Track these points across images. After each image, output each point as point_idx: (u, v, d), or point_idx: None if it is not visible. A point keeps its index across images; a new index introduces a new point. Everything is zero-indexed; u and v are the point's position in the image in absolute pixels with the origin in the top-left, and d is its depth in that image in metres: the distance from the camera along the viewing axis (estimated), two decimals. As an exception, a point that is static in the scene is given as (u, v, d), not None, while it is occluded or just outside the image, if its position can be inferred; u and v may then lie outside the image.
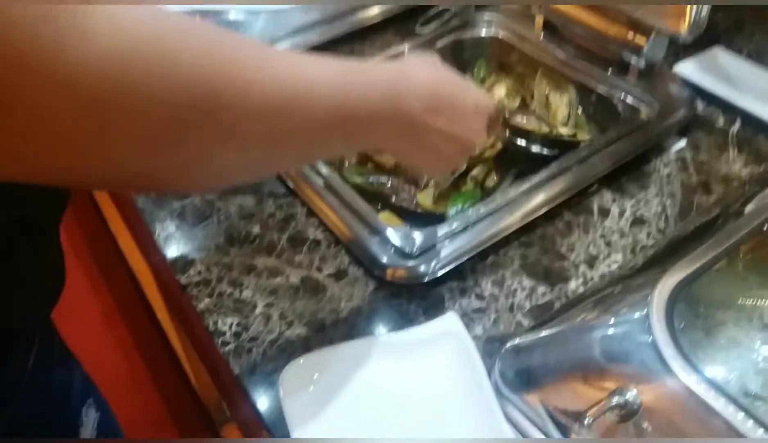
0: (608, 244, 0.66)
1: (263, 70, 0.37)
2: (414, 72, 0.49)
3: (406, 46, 0.86)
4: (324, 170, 0.71)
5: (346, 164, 0.75)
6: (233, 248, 0.67)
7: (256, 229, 0.68)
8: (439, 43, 0.88)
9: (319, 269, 0.64)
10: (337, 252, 0.66)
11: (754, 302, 0.58)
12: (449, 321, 0.56)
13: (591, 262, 0.64)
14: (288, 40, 0.89)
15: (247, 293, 0.63)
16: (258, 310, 0.61)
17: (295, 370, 0.53)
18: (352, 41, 0.92)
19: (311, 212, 0.69)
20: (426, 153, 0.52)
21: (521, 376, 0.52)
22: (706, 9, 0.69)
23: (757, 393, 0.52)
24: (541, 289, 0.62)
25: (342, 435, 0.51)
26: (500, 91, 0.79)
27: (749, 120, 0.78)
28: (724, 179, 0.72)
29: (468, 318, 0.60)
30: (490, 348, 0.56)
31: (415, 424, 0.52)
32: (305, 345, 0.58)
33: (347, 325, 0.60)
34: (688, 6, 0.70)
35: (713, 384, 0.44)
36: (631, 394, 0.44)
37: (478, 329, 0.59)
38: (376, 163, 0.75)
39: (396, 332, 0.57)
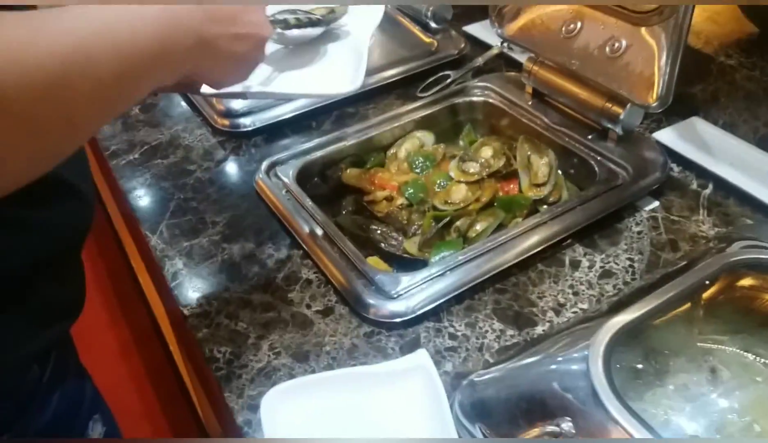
0: (576, 293, 0.71)
1: (34, 46, 0.36)
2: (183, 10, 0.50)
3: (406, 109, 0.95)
4: (320, 217, 0.78)
5: (343, 212, 0.83)
6: (233, 284, 0.74)
7: (255, 268, 0.75)
8: (436, 107, 0.95)
9: (309, 306, 0.71)
10: (327, 291, 0.72)
11: (702, 348, 0.63)
12: (420, 357, 0.62)
13: (558, 309, 0.69)
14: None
15: (241, 325, 0.69)
16: (250, 341, 0.68)
17: (276, 395, 0.59)
18: (356, 102, 1.01)
19: (306, 255, 0.76)
20: (223, 62, 0.55)
21: (477, 407, 0.57)
22: (666, 84, 0.76)
23: (695, 435, 0.56)
24: (509, 332, 0.67)
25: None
26: (487, 152, 0.86)
27: (721, 185, 0.83)
28: (692, 238, 0.77)
29: (440, 356, 0.65)
30: (457, 383, 0.62)
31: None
32: (289, 374, 0.64)
33: (329, 357, 0.65)
34: (656, 80, 0.77)
35: (640, 419, 0.48)
36: (566, 425, 0.49)
37: (449, 366, 0.64)
38: (370, 212, 0.82)
39: (371, 365, 0.63)
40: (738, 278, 0.68)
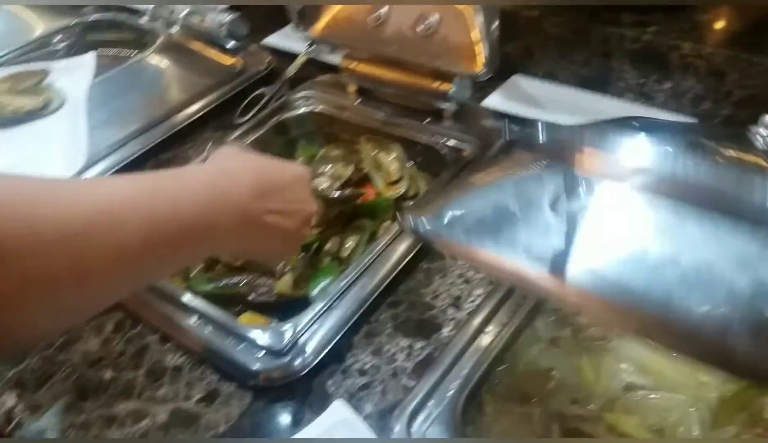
0: (467, 281, 0.67)
1: (52, 205, 0.36)
2: (229, 167, 0.50)
3: (228, 139, 0.85)
4: (169, 286, 0.66)
5: (192, 274, 0.71)
6: (87, 402, 0.60)
7: (108, 374, 0.62)
8: (262, 130, 0.87)
9: (187, 397, 0.59)
10: (203, 373, 0.61)
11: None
12: (337, 411, 0.54)
13: (456, 304, 0.65)
14: (109, 158, 0.85)
15: (113, 449, 0.56)
16: (129, 463, 0.55)
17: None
18: (171, 146, 0.89)
19: (165, 338, 0.64)
20: (269, 238, 0.52)
21: None
22: (490, 46, 0.75)
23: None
24: (418, 345, 0.62)
25: None
26: (328, 163, 0.79)
27: (559, 133, 0.84)
28: (553, 193, 0.77)
29: (356, 399, 0.58)
30: (383, 422, 0.54)
31: None
32: (193, 487, 0.53)
33: (231, 448, 0.55)
34: (478, 46, 0.75)
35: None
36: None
37: (369, 407, 0.57)
38: (224, 264, 0.72)
39: (285, 440, 0.53)
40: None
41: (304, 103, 0.90)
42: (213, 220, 0.46)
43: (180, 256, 0.46)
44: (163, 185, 0.43)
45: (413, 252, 0.68)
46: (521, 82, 0.92)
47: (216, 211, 0.46)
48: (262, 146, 0.85)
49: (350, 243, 0.71)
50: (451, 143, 0.81)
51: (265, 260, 0.60)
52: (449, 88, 0.81)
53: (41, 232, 0.34)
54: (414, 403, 0.54)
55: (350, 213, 0.74)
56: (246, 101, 0.92)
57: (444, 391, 0.55)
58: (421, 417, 0.53)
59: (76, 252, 0.36)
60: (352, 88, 0.88)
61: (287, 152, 0.88)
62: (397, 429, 0.53)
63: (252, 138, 0.86)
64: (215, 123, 0.93)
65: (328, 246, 0.71)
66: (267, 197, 0.50)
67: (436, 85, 0.81)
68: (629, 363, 0.57)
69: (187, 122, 0.91)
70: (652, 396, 0.55)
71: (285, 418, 0.56)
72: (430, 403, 0.55)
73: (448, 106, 0.82)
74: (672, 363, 0.57)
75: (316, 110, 0.89)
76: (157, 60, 1.04)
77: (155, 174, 0.45)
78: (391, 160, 0.79)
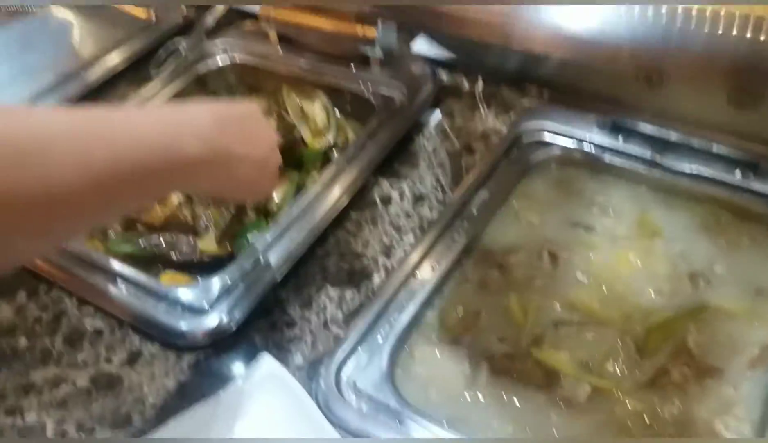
0: (398, 229, 0.66)
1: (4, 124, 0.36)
2: (182, 106, 0.49)
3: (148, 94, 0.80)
4: (85, 249, 0.63)
5: (111, 236, 0.68)
6: (0, 372, 0.57)
7: (22, 341, 0.59)
8: (180, 82, 0.83)
9: (109, 360, 0.57)
10: (125, 335, 0.59)
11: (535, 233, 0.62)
12: (263, 364, 0.53)
13: (387, 252, 0.64)
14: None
15: (31, 417, 0.53)
16: (49, 430, 0.53)
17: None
18: (85, 103, 0.84)
19: (83, 301, 0.61)
20: (242, 170, 0.51)
21: (342, 388, 0.50)
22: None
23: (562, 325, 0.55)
24: (348, 295, 0.61)
25: None
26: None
27: (488, 76, 0.83)
28: (482, 136, 0.76)
29: (285, 351, 0.56)
30: (312, 372, 0.54)
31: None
32: (114, 450, 0.51)
33: (157, 409, 0.53)
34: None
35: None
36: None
37: (298, 359, 0.56)
38: (144, 223, 0.68)
39: (210, 398, 0.52)
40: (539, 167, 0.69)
41: (224, 53, 0.86)
42: (179, 147, 0.44)
43: (152, 186, 0.45)
44: (119, 112, 0.43)
45: (342, 204, 0.67)
46: (449, 26, 0.90)
47: (180, 138, 0.45)
48: (181, 100, 0.81)
49: (277, 196, 0.69)
50: (379, 90, 0.79)
51: (244, 197, 0.57)
52: (374, 33, 0.78)
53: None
54: (343, 352, 0.53)
55: (276, 165, 0.71)
56: (161, 51, 0.87)
57: (374, 338, 0.55)
58: (350, 364, 0.53)
59: (42, 170, 0.35)
60: (273, 36, 0.84)
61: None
62: (324, 372, 0.52)
63: (169, 92, 0.81)
64: (130, 77, 0.87)
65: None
66: (229, 128, 0.49)
67: (360, 29, 0.78)
68: (557, 300, 0.58)
69: (100, 77, 0.86)
70: (581, 331, 0.56)
71: (211, 376, 0.55)
72: (360, 350, 0.54)
73: (374, 52, 0.80)
74: (600, 298, 0.58)
75: (237, 61, 0.85)
76: (63, 13, 0.97)
77: (109, 105, 0.43)
78: (317, 109, 0.76)
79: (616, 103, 0.70)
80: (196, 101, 0.52)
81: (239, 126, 0.51)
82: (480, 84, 0.83)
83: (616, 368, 0.53)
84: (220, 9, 0.90)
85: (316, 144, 0.74)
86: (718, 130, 0.64)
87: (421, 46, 0.87)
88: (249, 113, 0.53)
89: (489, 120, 0.78)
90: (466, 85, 0.83)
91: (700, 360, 0.53)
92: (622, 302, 0.57)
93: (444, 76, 0.84)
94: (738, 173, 0.63)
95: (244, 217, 0.68)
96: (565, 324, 0.56)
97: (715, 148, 0.64)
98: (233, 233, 0.66)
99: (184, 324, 0.56)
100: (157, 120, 0.45)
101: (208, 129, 0.47)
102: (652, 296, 0.57)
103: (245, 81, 0.85)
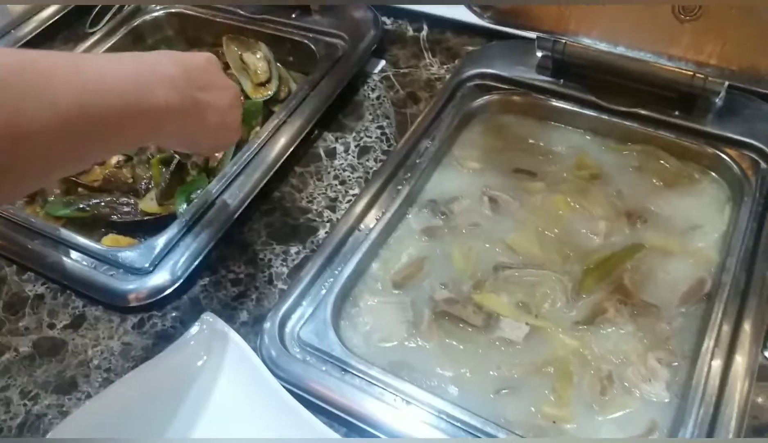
0: (343, 182, 0.66)
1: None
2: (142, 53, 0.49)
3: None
4: (23, 214, 0.61)
5: (50, 199, 0.66)
6: (-62, 344, 0.56)
7: (-40, 312, 0.58)
8: (117, 37, 0.80)
9: (52, 326, 0.56)
10: (67, 299, 0.58)
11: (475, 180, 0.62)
12: (207, 322, 0.53)
13: (332, 205, 0.64)
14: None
15: (-26, 386, 0.53)
16: (-8, 399, 0.52)
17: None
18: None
19: (23, 268, 0.60)
20: (209, 119, 0.51)
21: (286, 341, 0.50)
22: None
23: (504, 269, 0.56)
24: (293, 250, 0.60)
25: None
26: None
27: (433, 23, 0.82)
28: (427, 84, 0.75)
29: (230, 308, 0.56)
30: (259, 327, 0.54)
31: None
32: (61, 412, 0.51)
33: (101, 371, 0.53)
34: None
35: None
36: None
37: (244, 315, 0.56)
38: (83, 186, 0.67)
39: (156, 357, 0.52)
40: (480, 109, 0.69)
41: (162, 6, 0.83)
42: (149, 93, 0.44)
43: (121, 133, 0.44)
44: (86, 57, 0.45)
45: (285, 157, 0.66)
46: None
47: (150, 85, 0.45)
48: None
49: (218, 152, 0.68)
50: (322, 38, 0.77)
51: (210, 145, 0.56)
52: (314, -21, 0.76)
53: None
54: (287, 305, 0.54)
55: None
56: (97, 8, 0.84)
57: (318, 290, 0.55)
58: (294, 318, 0.53)
59: (3, 97, 0.35)
60: (211, -16, 0.82)
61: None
62: (268, 326, 0.52)
63: (106, 48, 0.78)
64: (64, 35, 0.84)
65: (194, 157, 0.67)
66: (193, 75, 0.49)
67: (300, -23, 0.76)
68: (497, 245, 0.58)
69: (31, 35, 0.82)
70: (520, 273, 0.57)
71: (156, 337, 0.55)
72: (304, 303, 0.54)
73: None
74: (540, 241, 0.59)
75: (173, 11, 0.82)
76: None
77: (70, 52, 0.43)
78: (258, 59, 0.74)
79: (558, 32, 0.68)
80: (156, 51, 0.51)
81: (203, 74, 0.50)
82: (425, 31, 0.82)
83: (555, 308, 0.54)
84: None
85: (256, 96, 0.73)
86: (660, 53, 0.63)
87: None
88: (210, 61, 0.53)
89: (434, 68, 0.77)
90: (410, 31, 0.82)
91: (635, 297, 0.54)
92: (561, 244, 0.58)
93: (387, 22, 0.83)
94: (674, 113, 0.63)
95: (184, 175, 0.66)
96: (505, 268, 0.57)
97: (652, 88, 0.64)
98: (174, 192, 0.65)
99: (126, 285, 0.56)
100: (124, 66, 0.44)
101: (175, 76, 0.47)
102: (590, 237, 0.58)
103: (185, 33, 0.83)
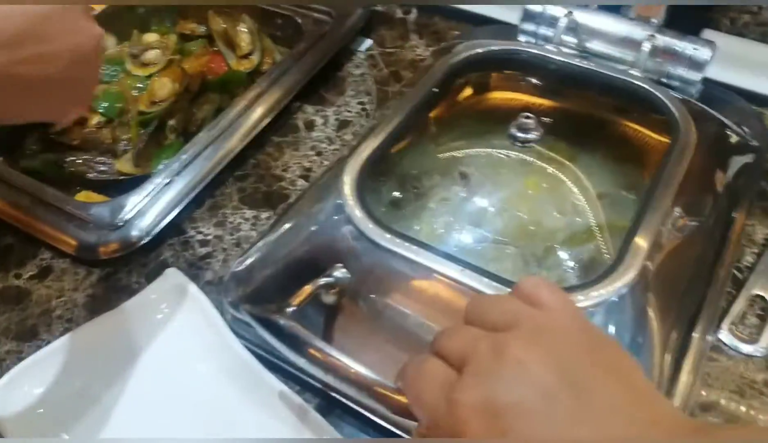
0: (319, 153, 0.66)
1: None
2: None
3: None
4: (-1, 168, 0.62)
5: (27, 152, 0.67)
6: None
7: (-71, 257, 0.58)
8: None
9: (18, 276, 0.57)
10: (35, 251, 0.58)
11: (449, 156, 0.63)
12: (169, 277, 0.53)
13: (306, 175, 0.64)
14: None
15: (-63, 331, 0.53)
16: (-46, 343, 0.53)
17: (5, 389, 0.46)
18: None
19: (-6, 219, 0.61)
20: (35, 89, 0.43)
21: (249, 298, 0.50)
22: None
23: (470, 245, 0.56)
24: (264, 215, 0.61)
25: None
26: (172, 38, 0.75)
27: (423, 6, 0.82)
28: (411, 64, 0.76)
29: (196, 268, 0.57)
30: (220, 287, 0.54)
31: (172, 397, 0.48)
32: (19, 358, 0.51)
33: (63, 322, 0.53)
34: None
35: (412, 240, 0.46)
36: (339, 272, 0.45)
37: (209, 275, 0.56)
38: (64, 144, 0.67)
39: (116, 308, 0.52)
40: (460, 87, 0.69)
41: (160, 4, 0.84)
42: None
43: None
44: None
45: (263, 126, 0.67)
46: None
47: None
48: (106, 20, 0.78)
49: (198, 118, 0.68)
50: (309, 13, 0.78)
51: (45, 117, 0.48)
52: (305, -44, 0.76)
53: None
54: (245, 264, 0.54)
55: (198, 88, 0.70)
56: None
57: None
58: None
59: None
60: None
61: (135, 29, 0.81)
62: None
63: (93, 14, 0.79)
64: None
65: (172, 122, 0.67)
66: (17, 44, 0.40)
67: (291, -48, 0.77)
68: (466, 222, 0.58)
69: None
70: (485, 251, 0.57)
71: (120, 290, 0.55)
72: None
73: (305, -24, 0.78)
74: (507, 219, 0.59)
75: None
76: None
77: None
78: (242, 31, 0.75)
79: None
80: None
81: (38, 38, 0.41)
82: (414, 14, 0.82)
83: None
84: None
85: (240, 68, 0.73)
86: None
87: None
88: (50, 11, 0.42)
89: (419, 49, 0.78)
90: (399, 13, 0.83)
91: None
92: (528, 222, 0.58)
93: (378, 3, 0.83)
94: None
95: (162, 139, 0.67)
96: (470, 245, 0.57)
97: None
98: (151, 154, 0.65)
99: (94, 239, 0.56)
100: None
101: None
102: (557, 216, 0.59)
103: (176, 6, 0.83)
